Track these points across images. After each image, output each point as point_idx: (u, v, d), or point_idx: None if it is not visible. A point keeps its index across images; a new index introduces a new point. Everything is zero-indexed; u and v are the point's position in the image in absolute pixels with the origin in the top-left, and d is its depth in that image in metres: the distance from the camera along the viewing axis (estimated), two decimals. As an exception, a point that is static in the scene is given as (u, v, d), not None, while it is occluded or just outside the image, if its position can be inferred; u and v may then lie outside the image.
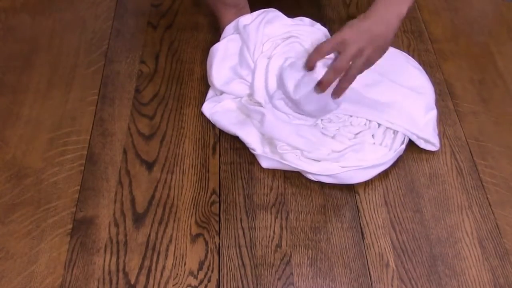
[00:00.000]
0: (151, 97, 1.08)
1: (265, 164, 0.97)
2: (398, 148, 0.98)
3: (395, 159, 0.98)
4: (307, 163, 0.95)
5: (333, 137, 0.98)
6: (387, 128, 1.00)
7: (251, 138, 0.98)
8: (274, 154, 0.96)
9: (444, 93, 1.11)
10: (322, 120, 1.00)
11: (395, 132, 0.99)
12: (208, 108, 1.04)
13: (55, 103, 1.07)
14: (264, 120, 0.96)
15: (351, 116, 1.01)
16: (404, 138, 0.99)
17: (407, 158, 1.00)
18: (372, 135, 0.99)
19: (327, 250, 0.88)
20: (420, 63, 1.16)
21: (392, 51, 1.09)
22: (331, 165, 0.94)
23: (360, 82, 1.01)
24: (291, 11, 1.14)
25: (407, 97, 1.03)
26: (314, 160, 0.95)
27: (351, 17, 1.25)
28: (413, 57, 1.18)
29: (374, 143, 0.98)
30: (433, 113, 1.03)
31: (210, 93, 1.08)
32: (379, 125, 1.00)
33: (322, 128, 0.99)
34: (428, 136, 1.00)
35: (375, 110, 1.01)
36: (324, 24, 1.15)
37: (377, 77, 1.04)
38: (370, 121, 1.00)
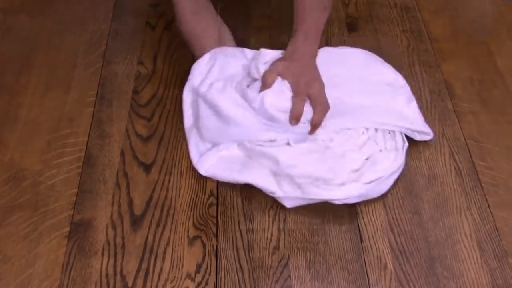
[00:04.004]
0: (149, 98, 1.08)
1: (289, 204, 0.91)
2: (403, 146, 0.98)
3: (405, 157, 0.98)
4: (332, 191, 0.91)
5: (343, 156, 0.95)
6: (383, 130, 0.99)
7: (265, 181, 0.92)
8: (295, 191, 0.91)
9: (443, 93, 1.10)
10: (323, 140, 0.96)
11: (391, 133, 0.99)
12: (203, 164, 0.96)
13: (53, 105, 1.07)
14: (280, 160, 0.91)
15: (349, 129, 0.98)
16: (402, 135, 0.99)
17: (405, 159, 0.99)
18: (375, 142, 0.98)
19: (325, 252, 0.88)
20: (419, 63, 1.16)
21: (351, 51, 1.10)
22: (355, 185, 0.91)
23: (342, 91, 1.02)
24: (291, 12, 1.13)
25: (388, 94, 1.04)
26: (338, 185, 0.92)
27: (350, 16, 1.26)
28: (412, 56, 1.18)
29: (380, 150, 0.97)
30: (415, 103, 1.04)
31: (193, 149, 0.99)
32: (376, 130, 0.99)
33: (327, 148, 0.96)
34: (420, 127, 1.00)
35: (366, 115, 0.99)
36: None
37: (355, 83, 1.04)
38: (367, 129, 0.99)
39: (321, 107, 0.98)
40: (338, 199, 0.91)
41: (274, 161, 0.91)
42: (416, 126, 1.00)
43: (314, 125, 0.97)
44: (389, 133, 0.99)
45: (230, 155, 0.95)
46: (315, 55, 1.04)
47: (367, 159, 0.95)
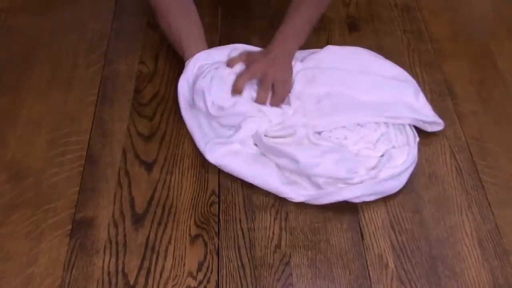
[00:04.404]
0: (151, 98, 1.08)
1: (323, 201, 0.92)
2: (415, 140, 0.99)
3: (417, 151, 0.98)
4: (350, 190, 0.91)
5: (357, 154, 0.95)
6: (394, 126, 1.00)
7: (276, 184, 0.93)
8: (312, 190, 0.92)
9: (444, 93, 1.11)
10: (337, 138, 0.97)
11: (401, 128, 1.00)
12: (212, 153, 0.96)
13: (55, 104, 1.07)
14: (299, 159, 0.91)
15: (362, 126, 0.99)
16: (413, 129, 1.00)
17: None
18: (388, 139, 0.99)
19: (326, 251, 0.88)
20: (420, 63, 1.16)
21: (355, 50, 1.12)
22: (373, 182, 0.92)
23: (351, 87, 1.03)
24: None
25: (396, 87, 1.05)
26: (356, 183, 0.92)
27: (351, 16, 1.27)
28: (413, 56, 1.18)
29: (394, 146, 0.97)
30: (422, 95, 1.05)
31: (198, 133, 1.00)
32: (387, 126, 1.00)
33: (341, 146, 0.96)
34: (431, 117, 1.02)
35: (378, 111, 1.00)
36: (324, 24, 1.16)
37: (363, 79, 1.05)
38: (378, 125, 0.99)
39: (277, 99, 1.00)
40: (357, 197, 0.91)
41: (293, 160, 0.91)
42: (428, 117, 1.01)
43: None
44: (398, 128, 1.00)
45: (243, 150, 0.96)
46: (292, 53, 1.05)
47: (382, 156, 0.95)
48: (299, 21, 1.06)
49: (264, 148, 0.96)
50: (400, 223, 0.91)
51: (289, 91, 1.02)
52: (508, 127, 1.05)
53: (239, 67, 1.03)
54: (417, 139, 0.99)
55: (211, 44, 1.17)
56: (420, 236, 0.90)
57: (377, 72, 1.07)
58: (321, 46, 1.17)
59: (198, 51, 1.06)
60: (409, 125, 1.01)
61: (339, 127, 0.98)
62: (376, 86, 1.04)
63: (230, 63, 1.03)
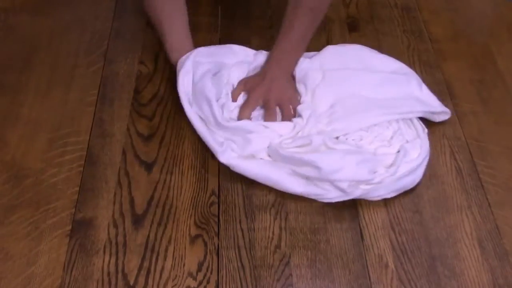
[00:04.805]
0: (150, 98, 1.08)
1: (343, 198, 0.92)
2: (424, 131, 1.00)
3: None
4: (373, 190, 0.92)
5: (375, 154, 0.96)
6: (403, 121, 1.01)
7: (292, 180, 0.93)
8: (333, 192, 0.92)
9: (444, 93, 1.11)
10: (353, 139, 0.98)
11: (409, 121, 1.01)
12: (224, 153, 0.95)
13: (55, 104, 1.07)
14: (321, 166, 0.90)
15: (375, 125, 0.99)
16: (420, 122, 1.01)
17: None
18: (401, 134, 0.99)
19: (326, 251, 0.88)
20: (420, 63, 1.16)
21: (354, 48, 1.12)
22: (393, 179, 0.92)
23: (357, 86, 1.03)
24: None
25: (400, 81, 1.06)
26: (377, 183, 0.92)
27: (351, 16, 1.27)
28: (412, 56, 1.18)
29: (407, 141, 0.98)
30: (424, 86, 1.06)
31: (211, 138, 0.98)
32: (397, 121, 1.00)
33: (358, 147, 0.96)
34: (439, 108, 1.03)
35: (392, 108, 1.01)
36: (324, 24, 1.16)
37: (367, 76, 1.06)
38: (389, 121, 1.00)
39: (286, 119, 1.00)
40: (378, 196, 0.92)
41: (314, 167, 0.90)
42: (436, 108, 1.03)
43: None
44: (407, 122, 1.01)
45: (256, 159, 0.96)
46: (290, 70, 1.06)
47: (398, 152, 0.96)
48: (294, 37, 1.05)
49: (282, 159, 0.94)
50: (400, 223, 0.91)
51: (296, 106, 1.01)
52: (508, 127, 1.05)
53: (242, 98, 1.03)
54: (426, 130, 1.00)
55: (211, 43, 1.17)
56: (420, 236, 0.90)
57: (379, 68, 1.08)
58: (321, 46, 1.17)
59: (179, 39, 1.07)
60: (416, 117, 1.02)
61: (357, 129, 0.99)
62: (383, 82, 1.05)
63: (233, 97, 1.03)
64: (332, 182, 0.90)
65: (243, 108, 1.01)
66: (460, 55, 1.19)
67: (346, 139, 0.98)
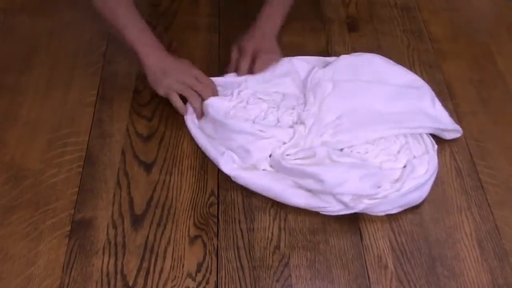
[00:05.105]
0: (150, 98, 1.08)
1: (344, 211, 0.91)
2: (433, 148, 0.98)
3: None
4: (376, 205, 0.90)
5: (380, 168, 0.94)
6: (412, 136, 0.98)
7: (295, 193, 0.92)
8: (335, 205, 0.90)
9: (444, 93, 1.10)
10: (358, 152, 0.96)
11: (419, 137, 0.99)
12: (227, 163, 0.95)
13: (54, 104, 1.07)
14: (324, 179, 0.89)
15: (382, 138, 0.97)
16: (430, 137, 0.99)
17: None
18: (409, 149, 0.97)
19: (325, 251, 0.88)
20: (419, 63, 1.16)
21: (368, 58, 1.10)
22: (398, 195, 0.90)
23: (369, 98, 1.02)
24: (291, 12, 1.14)
25: (413, 96, 1.03)
26: (381, 198, 0.90)
27: (351, 16, 1.26)
28: (412, 56, 1.18)
29: (414, 156, 0.96)
30: (438, 102, 1.04)
31: (213, 148, 0.98)
32: (405, 136, 0.98)
33: (363, 160, 0.95)
34: (451, 125, 1.01)
35: (400, 122, 0.99)
36: (323, 24, 1.15)
37: (379, 88, 1.03)
38: (397, 136, 0.98)
39: (262, 61, 1.06)
40: (382, 211, 0.91)
41: (317, 180, 0.89)
42: (446, 125, 1.01)
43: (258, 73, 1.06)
44: (416, 138, 0.98)
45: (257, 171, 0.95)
46: (276, 31, 1.12)
47: (404, 166, 0.94)
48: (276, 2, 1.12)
49: (285, 171, 0.93)
50: (400, 224, 0.91)
51: (275, 59, 1.07)
52: (508, 127, 1.05)
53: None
54: (435, 146, 0.98)
55: (211, 44, 1.17)
56: (419, 236, 0.90)
57: (391, 81, 1.06)
58: (321, 46, 1.18)
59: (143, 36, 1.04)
60: (426, 133, 1.00)
61: (363, 141, 0.97)
62: (394, 96, 1.02)
63: (235, 66, 1.07)
64: (334, 196, 0.90)
65: (239, 63, 1.07)
66: (460, 55, 1.19)
67: (351, 151, 0.96)
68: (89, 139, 1.01)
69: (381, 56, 1.11)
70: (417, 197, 0.92)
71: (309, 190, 0.92)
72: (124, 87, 1.10)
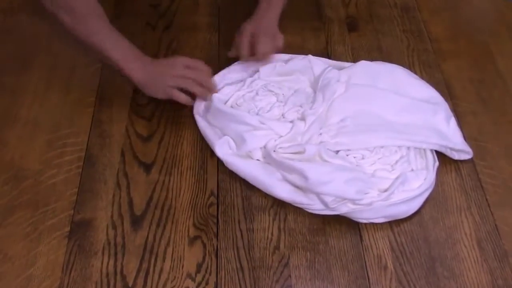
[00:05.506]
0: (149, 99, 1.07)
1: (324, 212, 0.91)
2: (434, 165, 0.96)
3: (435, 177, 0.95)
4: (359, 211, 0.89)
5: (373, 175, 0.93)
6: (415, 149, 0.97)
7: (294, 195, 0.92)
8: (318, 204, 0.90)
9: (444, 93, 1.10)
10: (354, 157, 0.95)
11: (422, 151, 0.97)
12: (222, 147, 0.97)
13: (54, 105, 1.06)
14: (309, 176, 0.88)
15: (382, 147, 0.96)
16: (433, 154, 0.97)
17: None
18: (408, 161, 0.96)
19: (325, 252, 0.88)
20: (419, 63, 1.16)
21: (390, 68, 1.09)
22: (383, 205, 0.89)
23: (380, 106, 1.01)
24: (290, 12, 1.14)
25: (427, 111, 1.01)
26: (366, 205, 0.89)
27: (350, 16, 1.26)
28: (412, 56, 1.18)
29: (412, 170, 0.95)
30: (453, 120, 1.02)
31: (213, 133, 1.00)
32: (408, 148, 0.97)
33: (357, 166, 0.94)
34: (460, 146, 0.98)
35: (405, 134, 0.97)
36: (323, 24, 1.15)
37: (393, 98, 1.02)
38: (399, 147, 0.97)
39: (266, 39, 1.06)
40: (365, 219, 0.90)
41: (302, 176, 0.89)
42: (456, 145, 0.98)
43: (261, 55, 1.06)
44: (419, 152, 0.97)
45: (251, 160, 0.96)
46: (277, 17, 1.11)
47: (397, 178, 0.92)
48: None
49: (274, 163, 0.94)
50: (399, 224, 0.91)
51: (279, 45, 1.07)
52: (508, 127, 1.05)
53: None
54: (437, 163, 0.96)
55: (210, 43, 1.17)
56: (419, 237, 0.90)
57: (409, 93, 1.04)
58: (320, 46, 1.18)
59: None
60: (431, 149, 0.98)
61: (361, 147, 0.96)
62: (407, 108, 1.01)
63: (240, 48, 1.07)
64: (317, 194, 0.89)
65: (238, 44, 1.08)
66: (460, 55, 1.19)
67: (347, 155, 0.95)
68: (88, 140, 1.01)
69: (405, 68, 1.10)
70: (404, 210, 0.90)
71: (295, 185, 0.92)
72: (123, 87, 1.10)
